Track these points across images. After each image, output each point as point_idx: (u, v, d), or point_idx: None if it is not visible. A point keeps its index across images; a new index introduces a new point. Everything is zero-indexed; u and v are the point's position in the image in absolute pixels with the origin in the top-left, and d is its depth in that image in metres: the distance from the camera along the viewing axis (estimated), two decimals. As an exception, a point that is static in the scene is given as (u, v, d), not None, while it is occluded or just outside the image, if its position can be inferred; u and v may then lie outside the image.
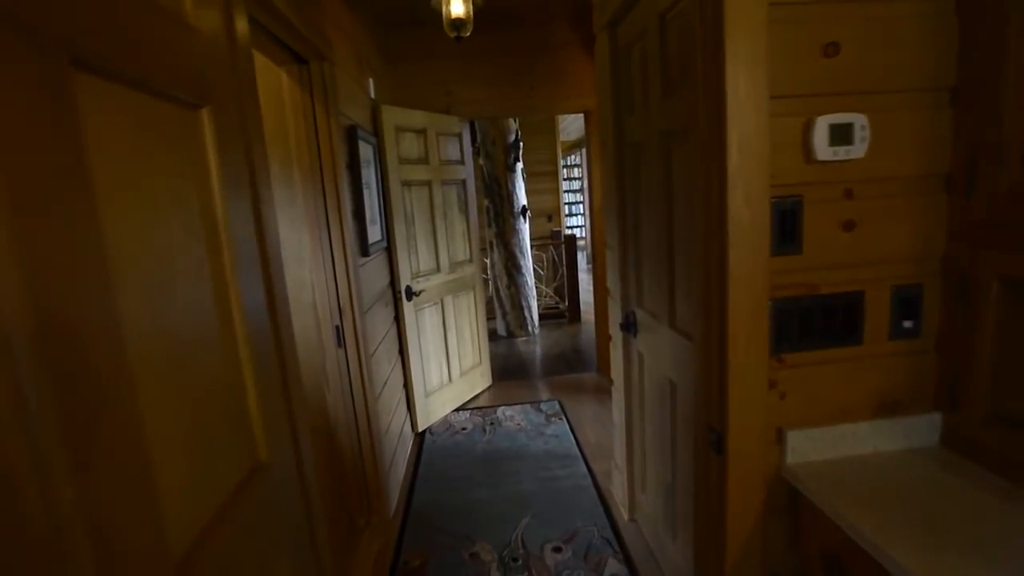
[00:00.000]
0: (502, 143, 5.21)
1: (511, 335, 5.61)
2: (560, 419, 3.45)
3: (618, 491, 2.47)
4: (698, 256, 1.34)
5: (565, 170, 9.44)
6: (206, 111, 0.84)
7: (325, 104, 2.14)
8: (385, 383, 2.76)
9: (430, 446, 3.22)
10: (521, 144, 5.29)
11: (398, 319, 3.21)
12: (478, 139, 5.28)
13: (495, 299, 5.63)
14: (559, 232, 6.96)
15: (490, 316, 5.67)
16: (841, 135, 1.19)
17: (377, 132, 3.01)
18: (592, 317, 6.24)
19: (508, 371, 4.53)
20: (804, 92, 1.21)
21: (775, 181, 1.21)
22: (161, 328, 0.68)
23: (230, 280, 0.87)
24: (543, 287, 6.43)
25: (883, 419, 1.30)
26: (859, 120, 1.20)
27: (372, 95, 3.05)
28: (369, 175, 2.74)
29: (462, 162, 3.74)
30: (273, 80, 2.15)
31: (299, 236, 2.24)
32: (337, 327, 2.27)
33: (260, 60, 2.10)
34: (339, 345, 2.28)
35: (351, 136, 2.41)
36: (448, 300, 3.62)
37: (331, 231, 2.20)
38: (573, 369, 4.49)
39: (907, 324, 1.29)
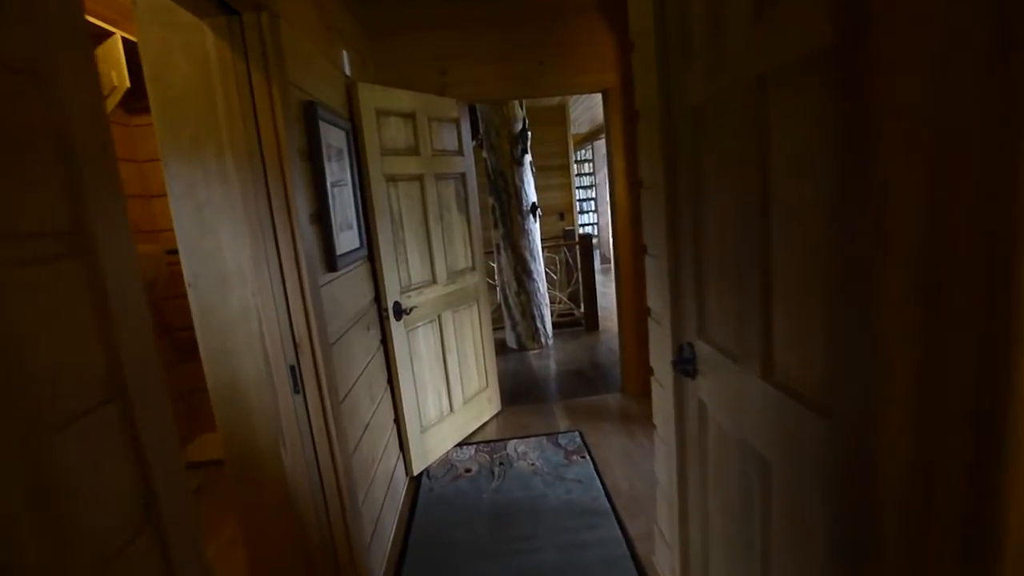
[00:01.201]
0: (507, 133, 4.64)
1: (522, 348, 5.04)
2: (583, 457, 2.88)
3: (665, 568, 1.90)
4: (897, 275, 0.76)
5: (576, 165, 8.85)
6: None
7: (265, 69, 1.58)
8: (366, 427, 2.20)
9: (427, 496, 2.66)
10: (529, 134, 4.72)
11: (385, 342, 2.66)
12: (480, 130, 4.71)
13: (503, 308, 5.07)
14: (572, 231, 6.37)
15: (498, 326, 5.11)
16: None
17: (353, 116, 2.46)
18: (612, 325, 5.68)
19: (519, 393, 3.96)
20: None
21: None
22: None
23: None
24: (556, 293, 5.85)
25: None
26: None
27: (347, 71, 2.50)
28: (342, 168, 2.18)
29: (460, 152, 3.17)
30: (197, 41, 1.60)
31: (241, 247, 1.69)
32: (293, 368, 1.72)
33: (180, 15, 1.55)
34: (296, 391, 1.73)
35: (308, 115, 1.85)
36: (447, 316, 3.06)
37: (280, 241, 1.65)
38: (594, 389, 3.91)
39: None
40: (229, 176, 1.64)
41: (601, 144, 9.85)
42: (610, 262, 10.39)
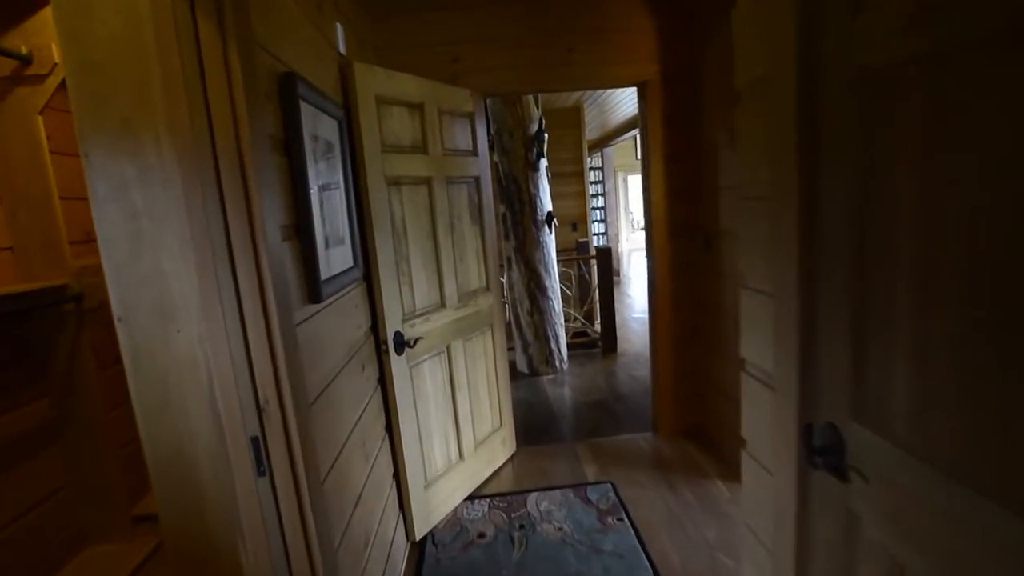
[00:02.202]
0: (522, 135, 4.18)
1: (534, 372, 4.55)
2: (620, 519, 2.39)
3: None
4: None
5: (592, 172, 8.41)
6: None
7: (219, 21, 1.11)
8: (358, 500, 1.71)
9: (432, 570, 2.16)
10: (546, 135, 4.26)
11: (383, 380, 2.17)
12: (491, 129, 4.25)
13: (514, 328, 4.58)
14: (586, 243, 5.91)
15: (507, 347, 4.63)
16: None
17: (348, 102, 1.99)
18: (631, 347, 5.15)
19: (536, 429, 3.47)
20: None
21: None
22: None
23: None
24: (571, 311, 5.37)
25: None
26: None
27: (341, 49, 2.03)
28: (332, 168, 1.71)
29: (475, 152, 2.71)
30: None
31: (187, 271, 1.21)
32: (255, 439, 1.23)
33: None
34: (260, 472, 1.24)
35: (285, 91, 1.37)
36: (457, 347, 2.57)
37: (237, 265, 1.17)
38: (620, 426, 3.42)
39: None
40: (170, 173, 1.16)
41: (611, 151, 9.40)
42: (619, 275, 9.92)
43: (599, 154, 9.23)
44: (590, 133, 8.37)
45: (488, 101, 4.14)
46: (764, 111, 1.15)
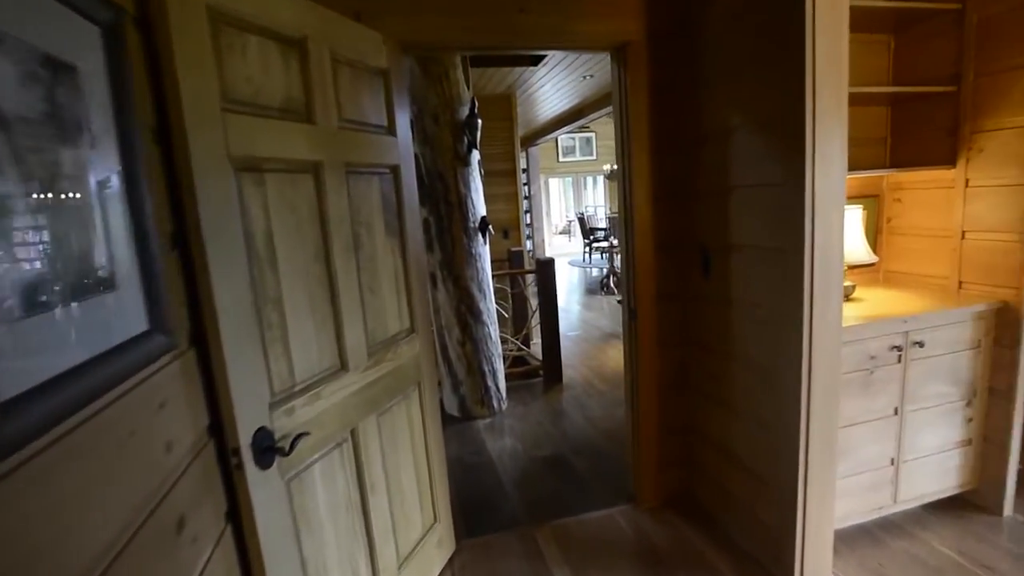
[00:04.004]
0: (449, 119, 3.31)
1: (467, 415, 3.68)
2: None
3: None
4: None
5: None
6: None
7: None
8: None
9: None
10: (479, 122, 3.42)
11: (236, 517, 1.22)
12: (410, 113, 3.34)
13: (440, 362, 3.69)
14: (520, 253, 5.12)
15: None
16: None
17: (145, 7, 1.03)
18: (577, 375, 4.29)
19: (479, 507, 2.61)
20: None
21: None
22: None
23: None
24: (508, 336, 4.55)
25: None
26: None
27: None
28: (79, 135, 0.75)
29: (391, 130, 1.81)
30: None
31: None
32: None
33: None
34: None
35: None
36: (368, 428, 1.66)
37: None
38: (588, 495, 2.65)
39: None
40: None
41: (536, 151, 8.74)
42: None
43: (524, 154, 8.53)
44: (535, 121, 7.62)
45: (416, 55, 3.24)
46: None
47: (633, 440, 2.51)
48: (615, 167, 9.42)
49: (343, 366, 1.55)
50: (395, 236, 1.83)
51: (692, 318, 2.36)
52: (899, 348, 2.04)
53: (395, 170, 1.82)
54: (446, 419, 3.65)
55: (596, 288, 8.91)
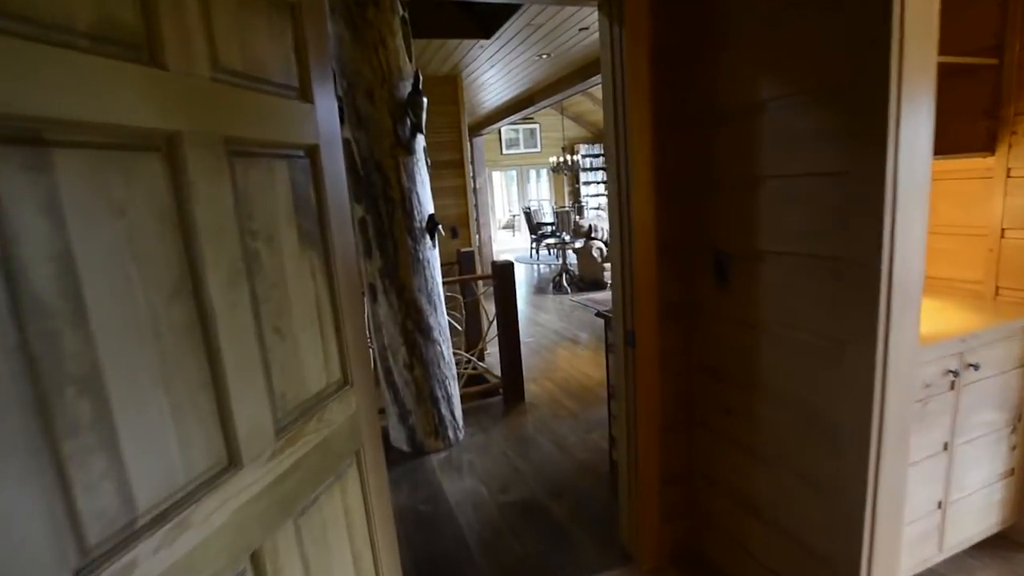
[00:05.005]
0: (387, 97, 2.73)
1: (418, 450, 3.12)
2: None
3: None
4: None
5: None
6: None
7: None
8: None
9: None
10: (424, 100, 2.85)
11: None
12: (338, 87, 2.74)
13: (385, 389, 3.11)
14: (470, 254, 4.58)
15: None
16: None
17: None
18: (540, 391, 3.71)
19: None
20: None
21: None
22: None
23: None
24: (464, 353, 4.01)
25: None
26: None
27: None
28: None
29: (305, 95, 1.23)
30: None
31: None
32: None
33: None
34: None
35: None
36: (279, 546, 1.09)
37: None
38: (575, 553, 2.18)
39: None
40: None
41: (480, 142, 8.20)
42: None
43: (469, 144, 7.97)
44: (488, 105, 7.04)
45: (332, 36, 2.63)
46: None
47: (630, 488, 2.06)
48: (561, 160, 9.11)
49: (233, 462, 0.97)
50: (316, 248, 1.26)
51: (700, 338, 1.93)
52: (954, 372, 1.69)
53: (313, 152, 1.25)
54: (392, 453, 3.08)
55: (546, 287, 8.50)
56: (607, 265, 7.63)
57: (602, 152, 13.45)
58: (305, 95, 1.23)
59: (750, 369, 1.72)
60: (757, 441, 1.74)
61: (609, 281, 7.69)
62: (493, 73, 4.93)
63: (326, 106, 1.31)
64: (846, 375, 1.39)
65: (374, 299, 2.99)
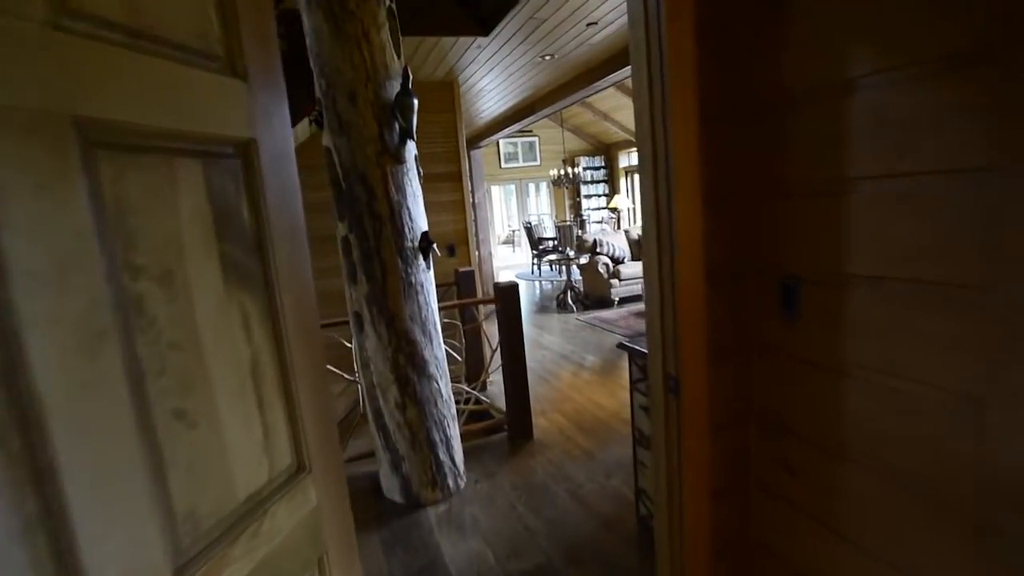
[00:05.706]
0: (372, 98, 2.38)
1: (413, 502, 2.72)
2: None
3: None
4: None
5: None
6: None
7: None
8: None
9: None
10: (415, 102, 2.49)
11: None
12: (317, 91, 2.40)
13: (375, 434, 2.72)
14: (469, 274, 4.21)
15: (364, 453, 2.80)
16: None
17: None
18: (550, 426, 3.24)
19: None
20: None
21: None
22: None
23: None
24: (462, 386, 3.62)
25: None
26: None
27: None
28: None
29: (234, 66, 0.87)
30: None
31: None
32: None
33: None
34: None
35: None
36: None
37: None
38: (601, 645, 1.77)
39: None
40: None
41: (479, 154, 7.89)
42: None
43: (467, 156, 7.65)
44: (486, 115, 6.71)
45: (308, 31, 2.30)
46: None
47: (672, 565, 1.66)
48: (562, 172, 8.78)
49: (83, 650, 0.59)
50: (251, 288, 0.89)
51: (761, 382, 1.55)
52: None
53: (246, 150, 0.88)
54: (383, 506, 2.68)
55: (550, 305, 8.12)
56: (614, 281, 7.26)
57: (603, 164, 13.16)
58: (234, 68, 0.87)
59: (825, 422, 1.35)
60: (845, 519, 1.35)
61: (617, 299, 7.31)
62: (492, 78, 4.61)
63: (269, 87, 0.94)
64: (986, 445, 1.02)
65: (360, 330, 2.61)
